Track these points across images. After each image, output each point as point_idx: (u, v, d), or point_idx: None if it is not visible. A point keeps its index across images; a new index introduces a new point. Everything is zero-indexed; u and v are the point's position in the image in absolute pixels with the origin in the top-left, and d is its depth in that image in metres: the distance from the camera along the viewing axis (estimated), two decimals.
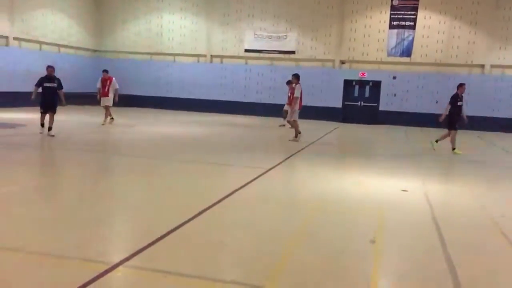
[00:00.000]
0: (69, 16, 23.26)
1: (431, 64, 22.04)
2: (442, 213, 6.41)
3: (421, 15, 21.76)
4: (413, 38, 21.86)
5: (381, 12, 22.34)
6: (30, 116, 15.72)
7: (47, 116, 11.96)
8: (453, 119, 12.74)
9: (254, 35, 23.55)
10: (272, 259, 4.43)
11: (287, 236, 5.18)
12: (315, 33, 23.13)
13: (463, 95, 13.01)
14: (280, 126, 16.51)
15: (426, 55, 22.01)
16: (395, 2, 21.94)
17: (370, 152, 13.61)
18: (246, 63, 23.99)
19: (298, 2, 23.08)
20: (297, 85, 13.45)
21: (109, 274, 3.81)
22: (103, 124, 15.14)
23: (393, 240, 5.23)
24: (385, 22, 22.25)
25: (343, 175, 9.10)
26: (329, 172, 9.27)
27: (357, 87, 22.94)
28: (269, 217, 6.00)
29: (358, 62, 22.91)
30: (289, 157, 10.78)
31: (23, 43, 20.68)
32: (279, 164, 9.78)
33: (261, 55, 23.66)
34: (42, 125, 11.95)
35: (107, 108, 15.41)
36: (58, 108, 12.30)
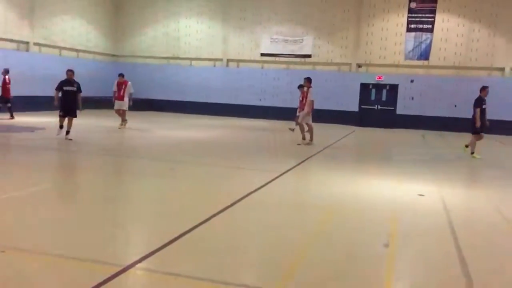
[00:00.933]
0: (88, 21, 23.61)
1: (450, 68, 21.74)
2: (458, 218, 6.29)
3: (439, 18, 21.52)
4: (431, 41, 21.63)
5: (398, 15, 22.15)
6: (49, 119, 15.96)
7: (66, 120, 12.07)
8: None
9: (270, 39, 23.57)
10: (284, 263, 4.40)
11: (299, 239, 5.15)
12: (331, 36, 23.05)
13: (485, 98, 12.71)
14: (290, 129, 16.47)
15: (444, 58, 21.73)
16: (413, 5, 21.76)
17: (386, 156, 13.47)
18: (262, 67, 24.02)
19: (314, 5, 23.03)
20: (310, 89, 13.36)
21: (120, 276, 3.83)
22: (120, 128, 15.28)
23: (407, 244, 5.15)
24: (402, 25, 22.05)
25: (359, 179, 9.01)
26: (344, 176, 9.20)
27: (373, 90, 22.76)
28: (283, 221, 5.97)
29: (375, 65, 22.73)
30: (303, 161, 10.73)
31: (43, 48, 21.05)
32: (293, 167, 9.75)
33: (277, 59, 23.66)
34: (61, 127, 12.03)
35: (123, 111, 15.56)
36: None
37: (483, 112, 12.41)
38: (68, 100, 12.04)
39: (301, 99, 13.80)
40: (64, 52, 22.13)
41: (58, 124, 12.14)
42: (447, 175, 9.85)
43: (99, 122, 16.82)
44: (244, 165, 9.90)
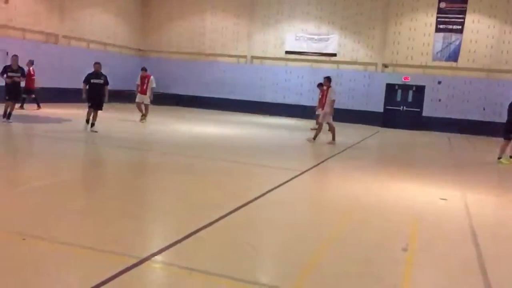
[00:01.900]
0: (116, 15, 23.92)
1: (479, 70, 21.22)
2: (480, 224, 6.14)
3: (469, 18, 21.02)
4: (460, 42, 21.15)
5: (427, 14, 21.73)
6: (76, 111, 16.26)
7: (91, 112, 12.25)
8: (510, 128, 12.04)
9: (295, 36, 23.44)
10: (299, 263, 4.37)
11: (316, 240, 5.11)
12: (357, 35, 22.79)
13: None
14: (312, 129, 16.37)
15: (474, 60, 21.22)
16: (442, 5, 21.31)
17: (410, 159, 13.24)
18: (286, 65, 23.93)
19: (341, 4, 22.81)
20: (330, 88, 13.25)
21: (135, 269, 3.86)
22: (141, 122, 15.43)
23: (426, 249, 5.05)
24: (431, 25, 21.63)
25: (380, 180, 8.88)
26: (365, 177, 9.08)
27: (399, 91, 22.40)
28: (300, 220, 5.94)
29: (401, 66, 22.37)
30: (324, 160, 10.65)
31: (72, 41, 21.43)
32: (314, 166, 9.68)
33: (302, 57, 23.52)
34: (87, 121, 12.22)
35: (145, 106, 15.71)
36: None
37: None
38: (95, 92, 12.21)
39: (320, 97, 13.75)
40: (92, 45, 22.48)
41: (85, 117, 12.29)
42: (472, 180, 9.63)
43: (124, 115, 17.03)
44: (265, 162, 9.88)
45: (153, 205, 6.19)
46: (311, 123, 17.61)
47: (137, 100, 15.79)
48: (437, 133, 20.30)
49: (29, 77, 16.67)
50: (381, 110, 22.33)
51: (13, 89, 12.49)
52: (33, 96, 16.82)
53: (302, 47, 23.34)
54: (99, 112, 12.44)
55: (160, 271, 4.04)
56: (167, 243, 4.50)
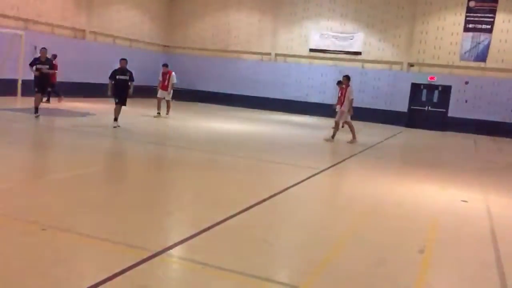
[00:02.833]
0: (142, 12, 24.20)
1: (508, 70, 20.67)
2: (502, 228, 6.00)
3: (499, 18, 20.50)
4: (489, 42, 20.66)
5: (455, 14, 21.30)
6: (102, 106, 16.55)
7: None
8: None
9: (319, 34, 23.29)
10: (313, 261, 4.36)
11: (332, 238, 5.09)
12: (383, 34, 22.49)
13: None
14: (332, 128, 16.26)
15: (503, 60, 20.69)
16: (472, 4, 20.84)
17: (432, 159, 13.01)
18: (310, 62, 23.80)
19: (367, 2, 22.54)
20: (348, 87, 13.16)
21: (149, 262, 3.91)
22: (166, 116, 15.59)
23: (444, 251, 4.97)
24: (459, 24, 21.18)
25: (400, 181, 8.77)
26: (385, 177, 8.97)
27: (425, 91, 22.02)
28: (317, 218, 5.92)
29: (428, 65, 21.99)
30: (344, 159, 10.57)
31: (98, 37, 21.78)
32: (333, 165, 9.62)
33: (326, 55, 23.34)
34: (116, 119, 12.28)
35: (167, 102, 15.86)
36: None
37: None
38: (120, 88, 12.31)
39: (339, 95, 13.70)
40: (118, 41, 22.81)
41: (112, 114, 12.36)
42: (495, 183, 9.41)
43: (147, 111, 17.23)
44: (284, 160, 9.87)
45: (171, 199, 6.27)
46: (333, 123, 17.47)
47: (158, 95, 15.97)
48: (462, 134, 19.90)
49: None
50: (406, 110, 22.00)
51: (41, 81, 12.70)
52: (49, 89, 16.78)
53: (327, 45, 23.17)
54: (123, 107, 12.57)
55: (173, 265, 4.09)
56: (182, 237, 4.55)
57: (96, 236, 4.44)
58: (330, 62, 23.33)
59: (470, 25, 20.95)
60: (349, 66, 22.43)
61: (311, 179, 7.99)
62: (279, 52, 24.33)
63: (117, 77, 12.29)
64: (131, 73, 12.49)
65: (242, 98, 24.21)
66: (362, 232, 5.45)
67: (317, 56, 23.53)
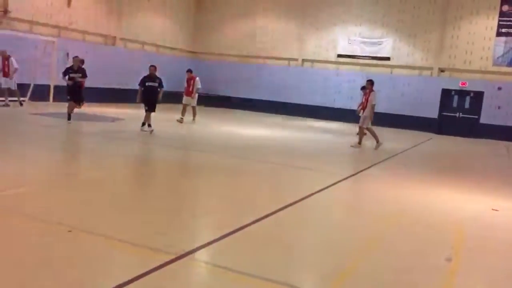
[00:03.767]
0: (170, 19, 24.56)
1: None
2: None
3: None
4: None
5: (488, 18, 20.79)
6: (129, 111, 16.82)
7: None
8: None
9: (347, 40, 23.11)
10: (336, 268, 4.30)
11: (357, 246, 5.00)
12: (413, 39, 22.14)
13: None
14: (357, 134, 16.08)
15: None
16: (505, 8, 20.31)
17: (462, 167, 12.68)
18: (337, 68, 23.63)
19: (396, 7, 22.25)
20: (372, 92, 13.02)
21: (170, 265, 3.93)
22: (192, 122, 15.72)
23: (471, 260, 4.83)
24: (492, 29, 20.66)
25: (428, 188, 8.56)
26: (412, 185, 8.78)
27: (456, 97, 21.53)
28: (341, 224, 5.85)
29: (459, 70, 21.50)
30: (370, 166, 10.41)
31: (128, 43, 22.21)
32: (359, 172, 9.50)
33: (354, 60, 23.13)
34: (143, 124, 12.41)
35: (192, 108, 15.97)
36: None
37: None
38: (150, 95, 12.41)
39: (363, 100, 13.57)
40: (146, 47, 23.19)
41: (141, 119, 12.53)
42: None
43: (174, 116, 17.42)
44: (310, 165, 9.80)
45: (196, 203, 6.29)
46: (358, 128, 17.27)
47: (183, 102, 16.11)
48: (495, 142, 19.34)
49: None
50: (436, 116, 21.56)
51: (74, 89, 12.90)
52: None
53: (355, 51, 22.97)
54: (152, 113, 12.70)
55: (195, 268, 4.09)
56: (204, 242, 4.56)
57: (121, 238, 4.48)
58: (357, 68, 23.11)
59: (503, 30, 20.42)
60: (377, 72, 22.16)
61: (336, 185, 7.90)
62: (307, 57, 24.25)
63: (147, 83, 12.37)
64: (160, 80, 12.58)
65: (268, 104, 24.21)
66: (388, 239, 5.34)
67: (345, 62, 23.34)
